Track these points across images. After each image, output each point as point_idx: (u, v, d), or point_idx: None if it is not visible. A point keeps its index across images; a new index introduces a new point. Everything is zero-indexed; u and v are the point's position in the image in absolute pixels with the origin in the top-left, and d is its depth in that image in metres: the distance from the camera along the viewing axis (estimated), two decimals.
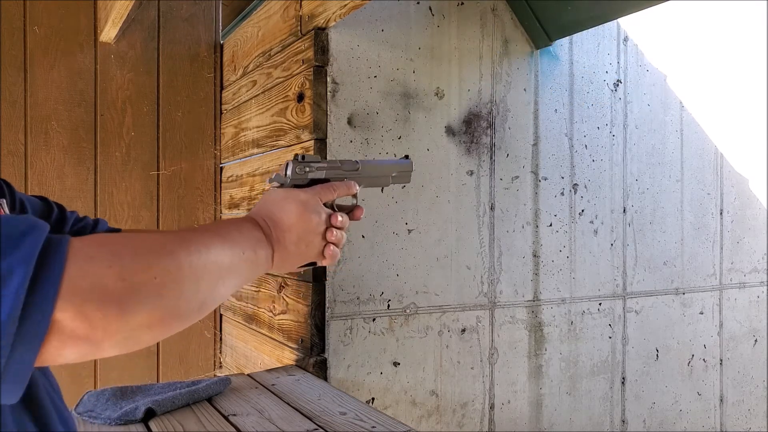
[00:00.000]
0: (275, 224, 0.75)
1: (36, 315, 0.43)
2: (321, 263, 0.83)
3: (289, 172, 0.83)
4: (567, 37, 2.30)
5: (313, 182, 0.85)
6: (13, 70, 2.13)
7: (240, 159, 2.26)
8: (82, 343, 0.47)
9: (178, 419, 1.32)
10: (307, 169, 0.85)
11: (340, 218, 0.81)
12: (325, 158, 1.72)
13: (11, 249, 0.43)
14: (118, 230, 0.95)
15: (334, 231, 0.80)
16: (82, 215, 0.94)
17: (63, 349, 0.46)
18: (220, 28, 2.49)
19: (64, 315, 0.45)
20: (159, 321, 0.52)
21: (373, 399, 1.87)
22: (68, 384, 2.17)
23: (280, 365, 1.86)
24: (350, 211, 0.89)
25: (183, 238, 0.58)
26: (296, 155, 0.86)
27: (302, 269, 0.84)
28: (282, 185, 0.84)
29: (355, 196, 0.90)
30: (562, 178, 2.32)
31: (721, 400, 2.85)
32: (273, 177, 0.85)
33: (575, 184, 2.35)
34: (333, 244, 0.81)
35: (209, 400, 1.45)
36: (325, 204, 0.82)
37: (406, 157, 1.02)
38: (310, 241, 0.78)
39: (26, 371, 0.44)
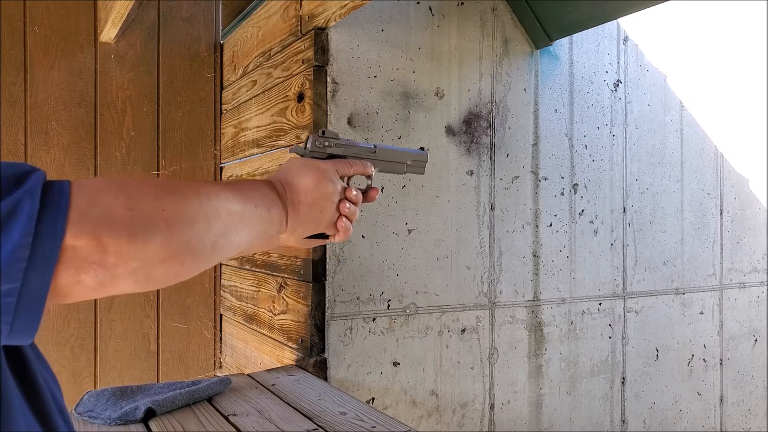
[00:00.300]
0: (291, 187, 0.78)
1: (47, 241, 0.46)
2: (333, 239, 0.86)
3: (309, 145, 0.87)
4: (567, 37, 2.30)
5: (331, 157, 0.88)
6: (13, 70, 2.13)
7: (240, 159, 2.26)
8: (97, 268, 0.50)
9: (178, 419, 1.32)
10: (327, 143, 0.88)
11: (354, 192, 0.84)
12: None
13: (16, 185, 0.45)
14: None
15: (347, 204, 0.83)
16: None
17: (79, 275, 0.49)
18: (220, 28, 2.49)
19: (78, 241, 0.48)
20: (171, 254, 0.55)
21: (373, 399, 1.87)
22: (68, 384, 2.17)
23: (280, 365, 1.86)
24: (365, 191, 0.92)
25: (192, 182, 0.62)
26: (317, 130, 0.89)
27: (314, 241, 0.85)
28: (302, 156, 0.87)
29: (370, 177, 0.93)
30: (562, 178, 2.32)
31: (721, 400, 2.85)
32: (293, 147, 0.88)
33: (575, 184, 2.35)
34: (345, 217, 0.83)
35: (209, 400, 1.45)
36: (341, 178, 0.85)
37: (422, 149, 1.04)
38: (324, 207, 0.81)
39: (41, 299, 0.46)
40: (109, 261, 0.50)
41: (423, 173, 1.05)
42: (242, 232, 0.66)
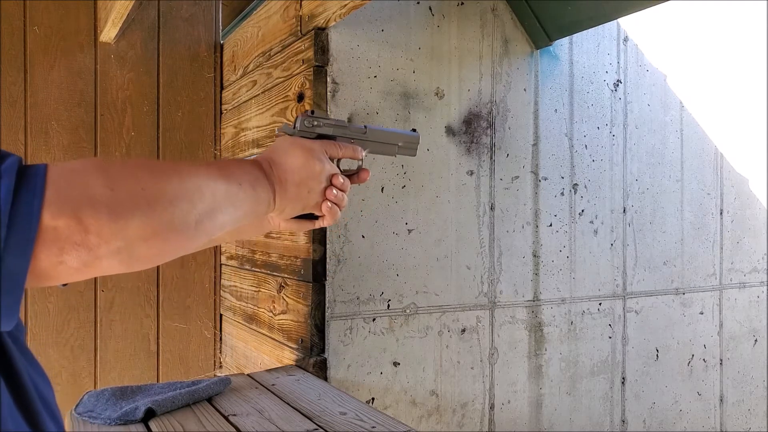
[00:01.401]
0: (278, 166, 0.77)
1: (23, 222, 0.46)
2: (321, 222, 0.85)
3: (297, 125, 0.86)
4: (567, 37, 2.30)
5: (321, 137, 0.87)
6: (13, 70, 2.13)
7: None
8: (80, 248, 0.50)
9: (178, 419, 1.32)
10: (316, 123, 0.87)
11: (341, 180, 0.83)
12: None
13: None
14: None
15: (334, 190, 0.82)
16: None
17: (62, 256, 0.49)
18: (220, 28, 2.49)
19: (58, 222, 0.48)
20: (154, 233, 0.55)
21: (373, 399, 1.87)
22: (68, 384, 2.17)
23: (280, 365, 1.86)
24: (356, 173, 0.91)
25: (174, 162, 0.62)
26: (306, 110, 0.87)
27: (303, 223, 0.85)
28: (291, 136, 0.86)
29: (360, 161, 0.93)
30: (562, 178, 2.32)
31: (721, 400, 2.85)
32: (282, 127, 0.87)
33: (575, 184, 2.35)
34: (333, 203, 0.83)
35: (209, 400, 1.45)
36: (330, 159, 0.84)
37: (414, 130, 1.03)
38: (312, 187, 0.80)
39: (20, 281, 0.46)
40: (91, 241, 0.50)
41: (415, 155, 1.03)
42: (227, 210, 0.66)
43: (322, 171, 0.81)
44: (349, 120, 1.83)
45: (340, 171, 0.85)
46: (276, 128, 0.91)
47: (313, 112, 0.87)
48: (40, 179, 0.48)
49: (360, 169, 0.92)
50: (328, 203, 0.82)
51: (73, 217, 0.49)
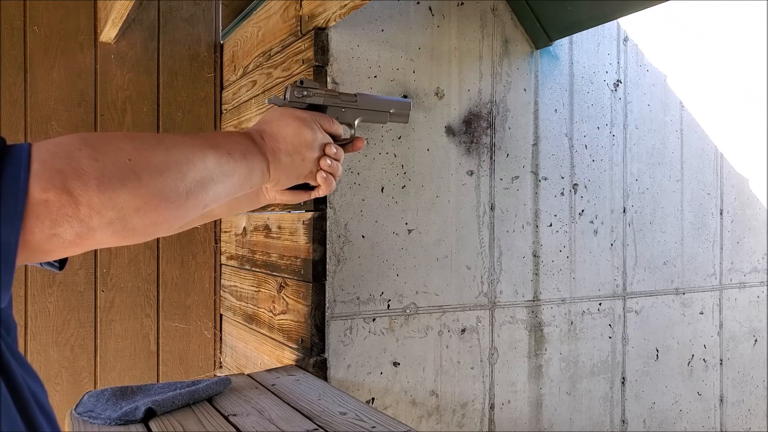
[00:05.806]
0: (269, 136, 0.77)
1: (11, 195, 0.47)
2: (317, 192, 0.85)
3: (287, 95, 0.85)
4: (567, 37, 2.30)
5: (311, 107, 0.86)
6: (13, 70, 2.13)
7: None
8: (72, 220, 0.50)
9: (178, 419, 1.32)
10: (305, 93, 0.86)
11: (334, 149, 0.83)
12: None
13: None
14: None
15: (328, 160, 0.82)
16: None
17: (55, 228, 0.50)
18: (220, 28, 2.49)
19: (48, 195, 0.48)
20: (144, 203, 0.55)
21: (373, 399, 1.87)
22: (68, 384, 2.17)
23: (280, 365, 1.86)
24: (350, 142, 0.90)
25: (159, 134, 0.62)
26: (296, 80, 0.87)
27: (299, 194, 0.84)
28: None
29: (352, 127, 0.93)
30: (562, 178, 2.32)
31: (721, 400, 2.85)
32: (272, 98, 0.86)
33: (575, 184, 2.35)
34: (328, 173, 0.83)
35: (209, 400, 1.45)
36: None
37: (405, 96, 1.03)
38: (305, 156, 0.80)
39: (12, 253, 0.47)
40: (82, 212, 0.51)
41: (407, 122, 1.03)
42: (219, 180, 0.66)
43: (314, 139, 0.80)
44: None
45: (333, 140, 0.85)
46: (272, 96, 0.90)
47: (302, 81, 0.85)
48: (25, 153, 0.49)
49: (354, 137, 0.91)
50: (323, 173, 0.82)
51: (63, 190, 0.49)
